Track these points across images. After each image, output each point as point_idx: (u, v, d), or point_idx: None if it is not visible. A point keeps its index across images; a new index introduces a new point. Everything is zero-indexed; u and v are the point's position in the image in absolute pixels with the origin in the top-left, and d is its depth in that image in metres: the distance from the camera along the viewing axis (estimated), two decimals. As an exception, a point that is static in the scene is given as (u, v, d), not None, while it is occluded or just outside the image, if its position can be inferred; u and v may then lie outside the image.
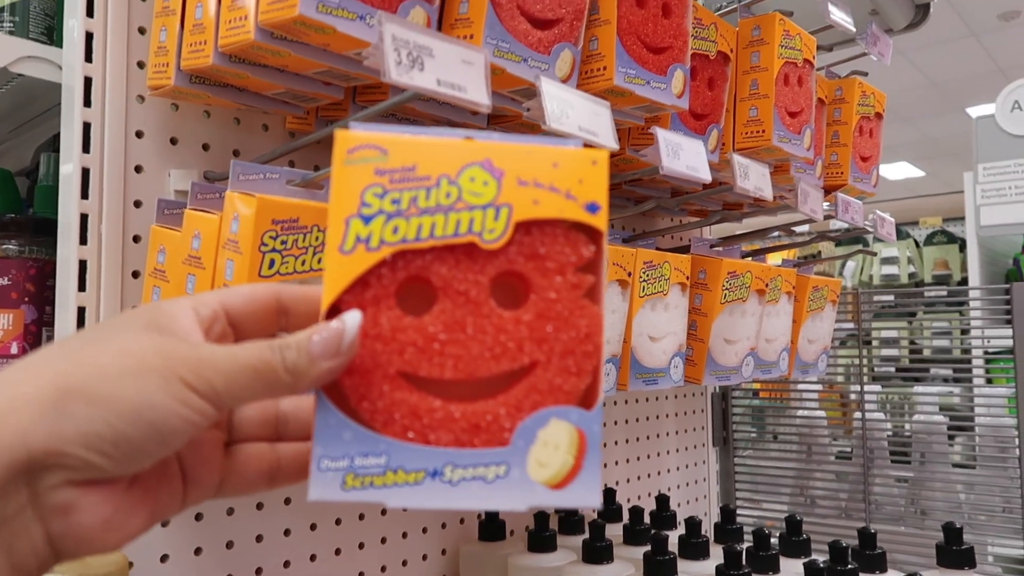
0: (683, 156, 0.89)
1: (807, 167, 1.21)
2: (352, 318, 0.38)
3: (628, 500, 1.44)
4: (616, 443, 1.42)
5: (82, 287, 0.75)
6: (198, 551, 0.83)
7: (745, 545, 0.98)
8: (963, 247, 4.51)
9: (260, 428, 0.45)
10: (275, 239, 0.64)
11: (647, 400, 1.50)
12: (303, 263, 0.66)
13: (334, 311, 0.38)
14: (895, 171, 7.38)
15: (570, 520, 1.11)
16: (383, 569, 1.01)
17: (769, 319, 1.20)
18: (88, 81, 0.76)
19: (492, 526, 1.08)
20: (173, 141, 0.82)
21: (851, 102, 1.30)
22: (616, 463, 1.42)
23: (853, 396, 1.89)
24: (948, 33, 4.66)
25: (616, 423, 1.42)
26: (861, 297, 1.72)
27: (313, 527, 0.93)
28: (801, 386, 1.95)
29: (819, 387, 1.98)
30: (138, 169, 0.79)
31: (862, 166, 1.34)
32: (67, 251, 0.75)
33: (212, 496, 0.44)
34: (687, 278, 1.07)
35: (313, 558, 0.93)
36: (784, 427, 1.90)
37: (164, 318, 0.39)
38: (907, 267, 4.69)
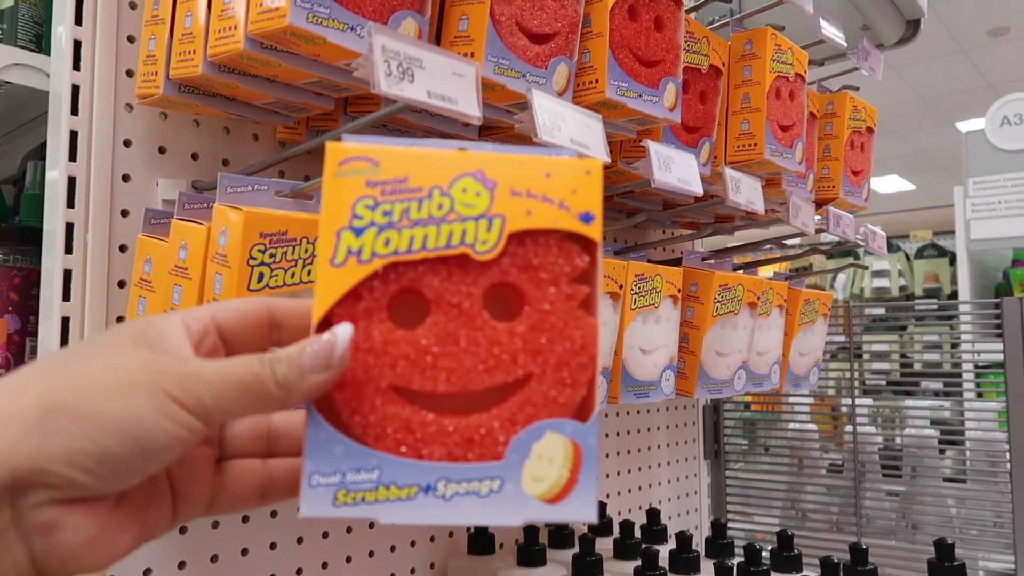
0: (675, 169, 0.89)
1: (799, 180, 1.22)
2: (343, 331, 0.37)
3: (619, 513, 1.43)
4: (607, 456, 1.41)
5: (67, 297, 0.74)
6: (182, 565, 0.81)
7: (736, 560, 0.98)
8: (953, 260, 4.54)
9: (251, 444, 0.45)
10: (263, 252, 0.63)
11: (638, 413, 1.50)
12: (292, 275, 0.65)
13: (325, 324, 0.38)
14: (886, 184, 7.42)
15: (560, 534, 1.10)
16: (372, 584, 1.00)
17: (761, 332, 1.20)
18: (76, 89, 0.76)
19: (481, 540, 1.07)
20: (161, 150, 0.81)
21: (842, 116, 1.31)
22: (607, 476, 1.41)
23: (844, 409, 1.89)
24: (938, 49, 4.70)
25: (607, 436, 1.42)
26: (852, 310, 1.72)
27: (300, 540, 0.92)
28: (792, 399, 1.94)
29: (810, 400, 1.98)
30: (125, 178, 0.79)
31: (853, 180, 1.34)
32: (52, 260, 0.74)
33: (203, 514, 0.43)
34: (679, 291, 1.06)
35: (300, 572, 0.92)
36: (775, 440, 1.90)
37: (153, 333, 0.38)
38: (898, 280, 4.71)
